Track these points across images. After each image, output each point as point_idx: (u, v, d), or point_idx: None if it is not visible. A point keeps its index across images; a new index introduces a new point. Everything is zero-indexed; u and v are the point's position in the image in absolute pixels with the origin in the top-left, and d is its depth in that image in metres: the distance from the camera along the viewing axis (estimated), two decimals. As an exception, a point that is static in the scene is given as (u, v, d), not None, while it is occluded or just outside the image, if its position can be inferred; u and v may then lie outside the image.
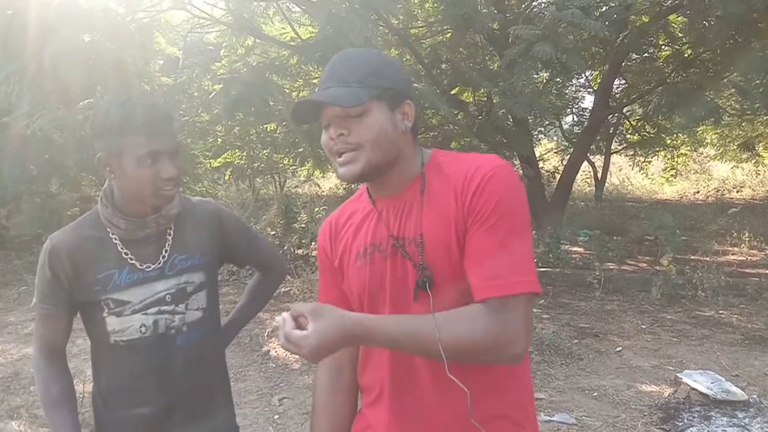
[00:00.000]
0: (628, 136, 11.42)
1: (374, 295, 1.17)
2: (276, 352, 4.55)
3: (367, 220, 1.20)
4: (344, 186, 11.03)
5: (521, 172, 7.12)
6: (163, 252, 1.40)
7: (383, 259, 1.15)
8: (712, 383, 3.49)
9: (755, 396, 3.48)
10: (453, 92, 6.74)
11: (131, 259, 1.38)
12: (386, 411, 1.18)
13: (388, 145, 1.11)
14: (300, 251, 7.06)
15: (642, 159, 12.36)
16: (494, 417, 1.13)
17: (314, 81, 7.27)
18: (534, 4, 6.75)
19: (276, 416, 3.50)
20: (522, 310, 1.03)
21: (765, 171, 14.87)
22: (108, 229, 1.38)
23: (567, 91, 10.85)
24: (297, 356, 4.43)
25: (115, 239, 1.38)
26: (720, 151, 14.69)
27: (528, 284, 1.03)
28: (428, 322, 1.02)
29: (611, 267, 6.60)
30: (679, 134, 11.17)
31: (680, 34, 7.51)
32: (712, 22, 6.17)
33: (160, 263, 1.39)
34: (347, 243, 1.22)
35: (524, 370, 1.21)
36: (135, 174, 1.30)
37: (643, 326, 5.00)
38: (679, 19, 7.22)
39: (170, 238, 1.42)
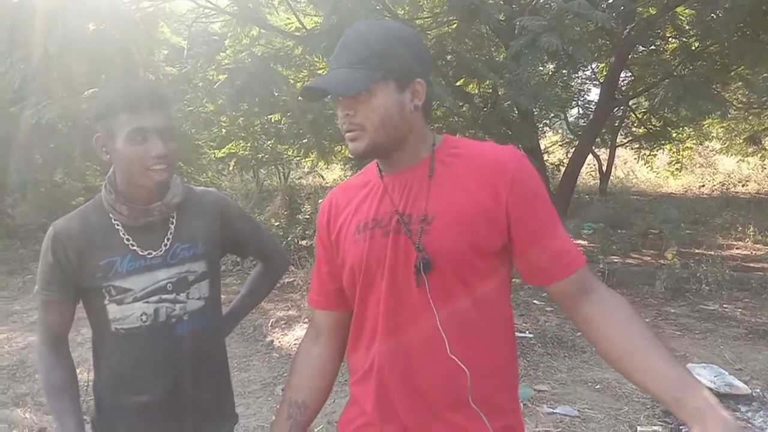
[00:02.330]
0: (634, 129, 11.39)
1: (371, 271, 1.16)
2: (279, 342, 4.56)
3: (371, 194, 1.20)
4: (348, 177, 11.04)
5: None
6: (165, 240, 1.40)
7: (384, 234, 1.14)
8: (715, 377, 3.49)
9: (758, 390, 3.47)
10: (458, 84, 6.72)
11: (133, 245, 1.37)
12: (373, 388, 1.18)
13: (393, 127, 1.11)
14: (304, 242, 7.07)
15: (647, 152, 12.32)
16: (484, 401, 1.14)
17: (319, 71, 7.26)
18: (540, -5, 6.71)
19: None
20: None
21: (771, 165, 14.81)
22: (111, 215, 1.38)
23: (573, 84, 10.82)
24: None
25: (118, 225, 1.38)
26: (726, 145, 14.62)
27: (580, 251, 1.15)
28: (669, 358, 1.04)
29: (615, 260, 6.58)
30: (685, 127, 11.13)
31: (687, 27, 7.46)
32: (719, 15, 6.13)
33: (161, 251, 1.39)
34: (347, 217, 1.21)
35: (516, 353, 1.25)
36: (125, 152, 1.30)
37: (646, 319, 4.99)
38: (686, 11, 7.17)
39: (172, 226, 1.41)
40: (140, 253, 1.37)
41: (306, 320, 4.97)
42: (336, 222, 1.24)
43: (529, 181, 1.12)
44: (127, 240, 1.37)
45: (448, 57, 6.62)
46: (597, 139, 9.96)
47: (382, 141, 1.11)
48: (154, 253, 1.38)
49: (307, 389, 1.29)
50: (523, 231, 1.11)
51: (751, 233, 8.08)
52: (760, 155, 13.91)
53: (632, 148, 12.75)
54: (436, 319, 1.10)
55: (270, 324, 4.88)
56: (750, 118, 12.05)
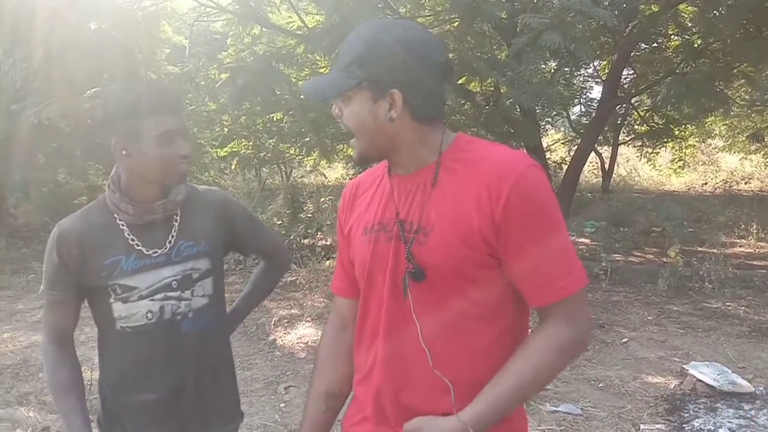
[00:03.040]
0: (636, 126, 11.35)
1: (373, 275, 1.17)
2: (282, 340, 4.57)
3: (380, 194, 1.20)
4: (350, 176, 11.03)
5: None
6: (170, 238, 1.41)
7: (388, 240, 1.15)
8: (718, 375, 3.49)
9: (761, 388, 3.47)
10: (460, 82, 6.70)
11: (138, 245, 1.38)
12: (372, 390, 1.19)
13: (369, 135, 1.11)
14: (306, 241, 7.07)
15: (650, 150, 12.29)
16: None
17: (321, 70, 7.25)
18: (543, -8, 6.68)
19: (282, 404, 3.52)
20: (582, 304, 1.11)
21: (774, 162, 14.75)
22: (115, 215, 1.39)
23: (575, 81, 10.77)
24: (303, 344, 4.45)
25: (122, 225, 1.39)
26: (729, 143, 14.57)
27: (580, 279, 1.09)
28: (522, 380, 1.07)
29: (618, 258, 6.58)
30: (688, 125, 11.09)
31: (690, 24, 7.42)
32: (722, 12, 6.10)
33: (166, 248, 1.40)
34: (360, 213, 1.23)
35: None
36: (154, 154, 1.33)
37: (649, 317, 4.99)
38: (689, 8, 7.13)
39: (176, 224, 1.43)
40: (145, 251, 1.39)
41: (309, 319, 4.97)
42: (350, 216, 1.26)
43: (527, 202, 1.06)
44: (132, 239, 1.38)
45: (450, 55, 6.61)
46: (599, 137, 9.93)
47: (365, 148, 1.14)
48: (158, 251, 1.39)
49: (341, 378, 1.30)
50: (509, 255, 1.07)
51: (754, 231, 8.06)
52: (763, 153, 13.85)
53: (635, 146, 12.71)
54: (418, 331, 1.10)
55: (273, 323, 4.89)
56: (753, 115, 12.01)
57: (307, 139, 8.13)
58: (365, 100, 1.09)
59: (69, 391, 1.38)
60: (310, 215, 7.47)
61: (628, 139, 12.23)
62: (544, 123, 11.59)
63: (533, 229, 1.06)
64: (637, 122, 11.04)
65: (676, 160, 13.56)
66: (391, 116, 1.09)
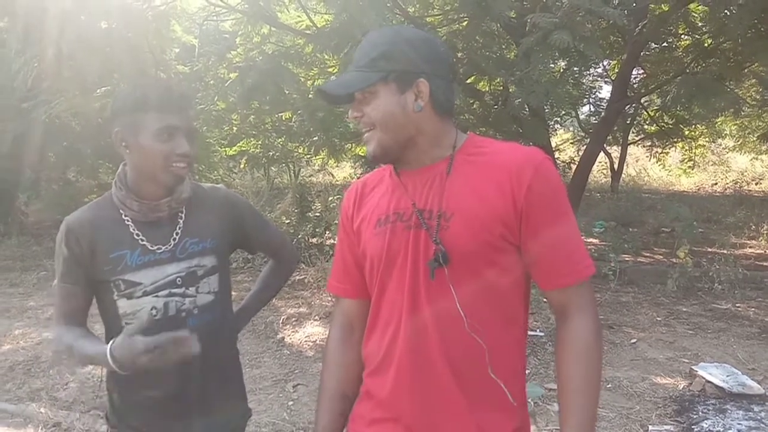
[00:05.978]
0: (646, 126, 11.31)
1: (390, 264, 1.17)
2: (290, 339, 4.58)
3: (390, 189, 1.22)
4: (358, 176, 11.05)
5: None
6: (174, 235, 1.42)
7: (406, 228, 1.16)
8: (727, 376, 3.47)
9: (772, 389, 3.45)
10: (468, 81, 6.69)
11: (142, 241, 1.39)
12: (390, 381, 1.18)
13: (397, 127, 1.13)
14: (314, 240, 7.09)
15: (659, 150, 12.24)
16: (491, 386, 1.14)
17: (329, 69, 7.26)
18: (552, -9, 6.66)
19: (290, 402, 3.53)
20: (591, 291, 1.18)
21: (785, 163, 14.65)
22: (121, 211, 1.41)
23: (584, 81, 10.72)
24: (311, 343, 4.46)
25: (128, 221, 1.40)
26: (739, 143, 14.49)
27: (590, 266, 1.16)
28: (589, 384, 1.15)
29: (627, 259, 6.55)
30: (698, 125, 11.04)
31: (700, 23, 7.38)
32: (733, 11, 6.06)
33: (170, 245, 1.41)
34: (370, 208, 1.23)
35: (524, 357, 1.25)
36: (150, 148, 1.33)
37: (658, 318, 4.97)
38: (699, 7, 7.08)
39: (181, 221, 1.44)
40: (150, 247, 1.40)
41: (317, 317, 4.98)
42: (359, 212, 1.26)
43: (547, 189, 1.12)
44: (137, 235, 1.40)
45: (459, 54, 6.61)
46: (608, 137, 9.89)
47: (389, 141, 1.14)
48: (163, 247, 1.40)
49: (353, 379, 1.30)
50: (530, 236, 1.12)
51: (765, 232, 8.01)
52: (773, 153, 13.79)
53: (644, 146, 12.68)
54: (455, 302, 1.11)
55: (281, 321, 4.90)
56: (764, 115, 11.93)
57: (316, 138, 8.14)
58: (392, 93, 1.12)
59: (85, 337, 1.36)
60: (318, 214, 7.49)
61: (637, 138, 12.19)
62: (552, 123, 11.57)
63: (552, 215, 1.13)
64: (647, 122, 11.00)
65: (685, 160, 13.49)
66: (419, 104, 1.12)
